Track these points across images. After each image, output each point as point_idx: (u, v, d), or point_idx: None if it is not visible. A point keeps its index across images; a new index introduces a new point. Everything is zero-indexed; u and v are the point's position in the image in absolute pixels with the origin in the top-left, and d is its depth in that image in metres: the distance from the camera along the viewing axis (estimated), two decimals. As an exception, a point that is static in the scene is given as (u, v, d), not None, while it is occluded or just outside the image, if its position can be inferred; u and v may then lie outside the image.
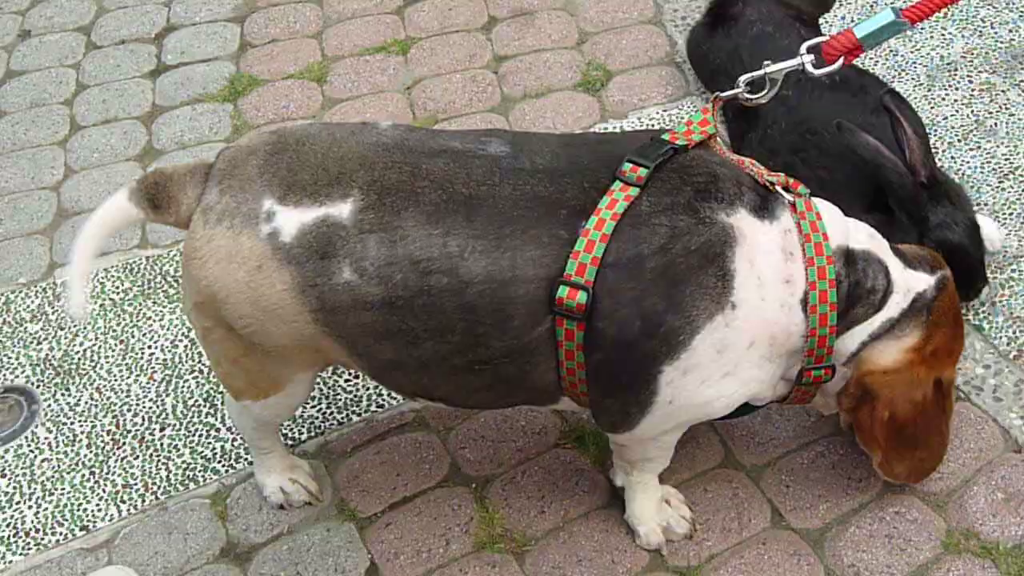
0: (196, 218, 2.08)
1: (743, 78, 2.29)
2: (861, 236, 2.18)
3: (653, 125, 3.33)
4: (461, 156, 2.06)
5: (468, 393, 2.17)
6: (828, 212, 2.16)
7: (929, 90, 3.36)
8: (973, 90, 3.37)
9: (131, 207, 2.16)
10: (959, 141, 3.19)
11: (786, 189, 2.11)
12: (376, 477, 2.62)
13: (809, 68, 2.25)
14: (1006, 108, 3.31)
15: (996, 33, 3.52)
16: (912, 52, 3.48)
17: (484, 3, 3.80)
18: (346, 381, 2.77)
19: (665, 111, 3.40)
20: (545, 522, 2.53)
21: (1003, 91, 3.35)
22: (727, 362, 2.06)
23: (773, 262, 2.03)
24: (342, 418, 2.72)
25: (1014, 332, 2.78)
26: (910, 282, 2.19)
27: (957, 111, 3.30)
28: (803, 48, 2.25)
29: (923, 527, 2.45)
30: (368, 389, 2.75)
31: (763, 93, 2.28)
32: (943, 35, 3.53)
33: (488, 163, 2.05)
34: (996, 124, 3.26)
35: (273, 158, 2.08)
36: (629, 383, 2.07)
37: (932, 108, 3.29)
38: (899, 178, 2.65)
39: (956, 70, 3.43)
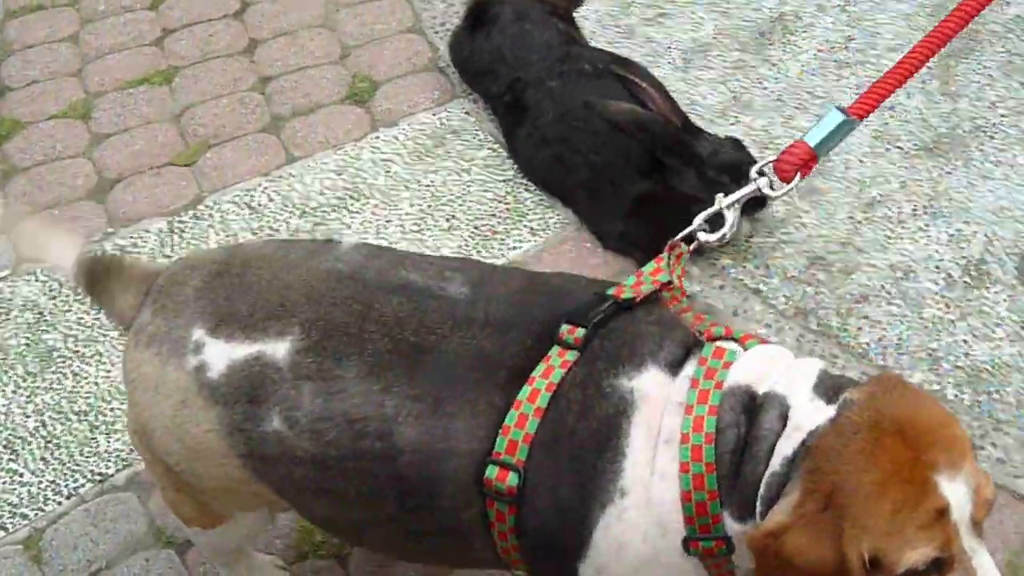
0: (130, 337, 1.93)
1: (700, 217, 2.06)
2: (779, 376, 1.72)
3: (424, 131, 3.38)
4: (418, 296, 1.83)
5: (413, 556, 2.05)
6: (754, 355, 1.78)
7: (686, 72, 3.49)
8: (727, 68, 3.51)
9: (74, 270, 2.03)
10: (719, 117, 3.32)
11: (724, 338, 1.83)
12: (190, 503, 2.59)
13: (767, 191, 2.07)
14: (759, 83, 3.46)
15: (742, 13, 3.68)
16: (666, 37, 3.60)
17: (243, 27, 3.78)
18: (147, 413, 2.74)
19: (435, 115, 3.45)
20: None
21: (754, 67, 3.51)
22: (634, 566, 1.75)
23: (667, 423, 1.70)
24: (147, 450, 2.68)
25: (789, 291, 2.92)
26: (802, 420, 1.65)
27: (714, 89, 3.44)
28: (753, 172, 2.07)
29: None
30: (171, 418, 2.72)
31: (722, 232, 2.06)
32: (693, 18, 3.67)
33: (444, 308, 1.82)
34: (751, 99, 3.41)
35: (213, 281, 1.89)
36: (558, 574, 1.82)
37: (690, 88, 3.42)
38: (660, 127, 2.77)
39: (709, 51, 3.57)
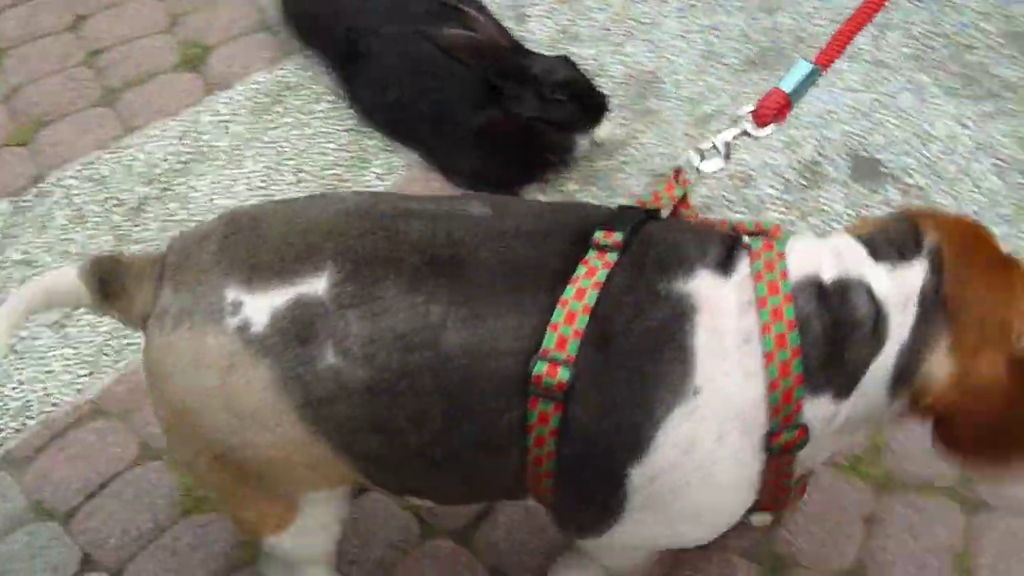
0: (151, 327, 1.81)
1: (693, 150, 2.08)
2: (831, 260, 1.77)
3: (260, 90, 3.39)
4: (440, 217, 1.81)
5: (447, 489, 1.95)
6: (799, 246, 1.82)
7: (515, 9, 3.55)
8: (553, 3, 3.59)
9: (80, 287, 1.89)
10: (548, 51, 3.38)
11: (756, 233, 1.85)
12: (67, 473, 2.57)
13: (752, 131, 2.08)
14: (584, 14, 3.55)
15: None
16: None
17: (68, 2, 3.74)
18: (12, 389, 2.71)
19: (270, 74, 3.46)
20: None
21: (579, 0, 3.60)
22: (699, 466, 1.75)
23: (731, 323, 1.72)
24: (17, 425, 2.66)
25: (636, 209, 3.01)
26: (903, 287, 1.74)
27: (543, 24, 3.52)
28: (741, 111, 2.11)
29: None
30: (36, 392, 2.70)
31: (715, 161, 2.07)
32: (514, -41, 3.74)
33: (469, 223, 1.81)
34: (578, 31, 3.48)
35: (228, 241, 1.80)
36: (598, 483, 1.80)
37: (518, 25, 3.48)
38: (492, 51, 2.83)
39: (533, -11, 3.65)
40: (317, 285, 1.73)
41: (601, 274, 1.72)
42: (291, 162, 3.19)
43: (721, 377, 1.70)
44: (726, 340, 1.70)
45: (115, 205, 3.10)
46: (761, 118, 2.07)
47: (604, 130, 3.11)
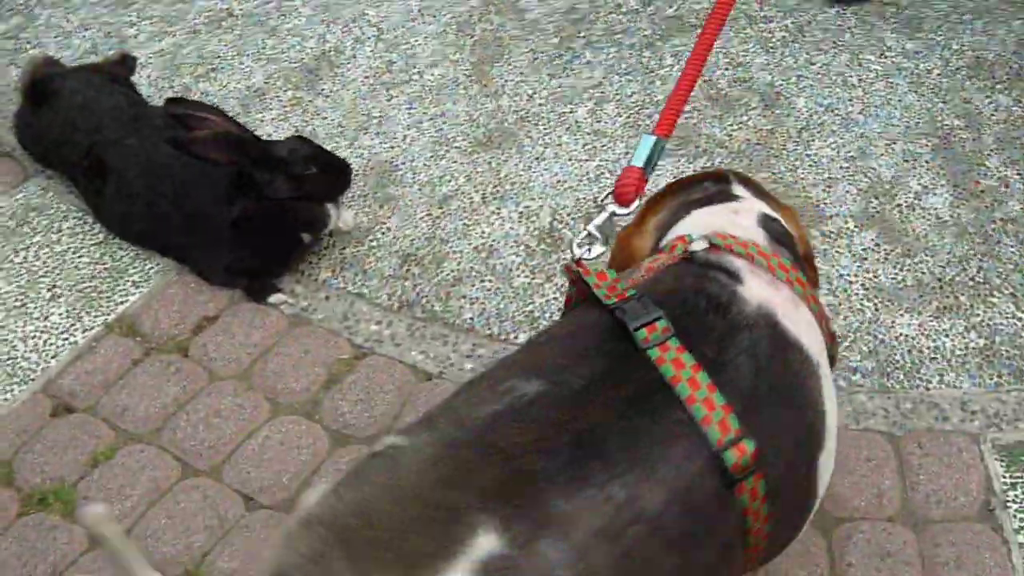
0: None
1: (577, 238, 2.12)
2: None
3: (4, 214, 3.42)
4: (515, 414, 1.68)
5: None
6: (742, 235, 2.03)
7: (247, 116, 3.68)
8: (285, 107, 3.73)
9: None
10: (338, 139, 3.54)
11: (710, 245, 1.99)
12: None
13: (619, 211, 2.16)
14: (318, 115, 3.70)
15: (287, 56, 3.93)
16: (221, 88, 3.80)
17: None
18: None
19: (12, 198, 3.49)
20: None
21: (310, 100, 3.76)
22: (833, 404, 1.93)
23: (792, 307, 1.91)
24: None
25: (390, 289, 3.16)
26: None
27: (277, 127, 3.66)
28: (602, 200, 2.18)
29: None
30: None
31: (595, 248, 2.10)
32: (242, 68, 3.88)
33: (553, 397, 1.70)
34: (314, 129, 3.64)
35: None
36: (800, 500, 1.88)
37: (253, 130, 3.60)
38: (239, 144, 2.97)
39: (265, 95, 3.78)
40: (489, 540, 1.53)
41: (688, 357, 1.73)
42: (45, 280, 3.23)
43: (813, 340, 1.90)
44: (800, 316, 1.90)
45: None
46: (623, 197, 2.17)
47: (348, 219, 3.27)
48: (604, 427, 1.66)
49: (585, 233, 2.12)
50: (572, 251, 2.07)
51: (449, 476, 1.60)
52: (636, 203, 2.18)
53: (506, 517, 1.54)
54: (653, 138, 2.23)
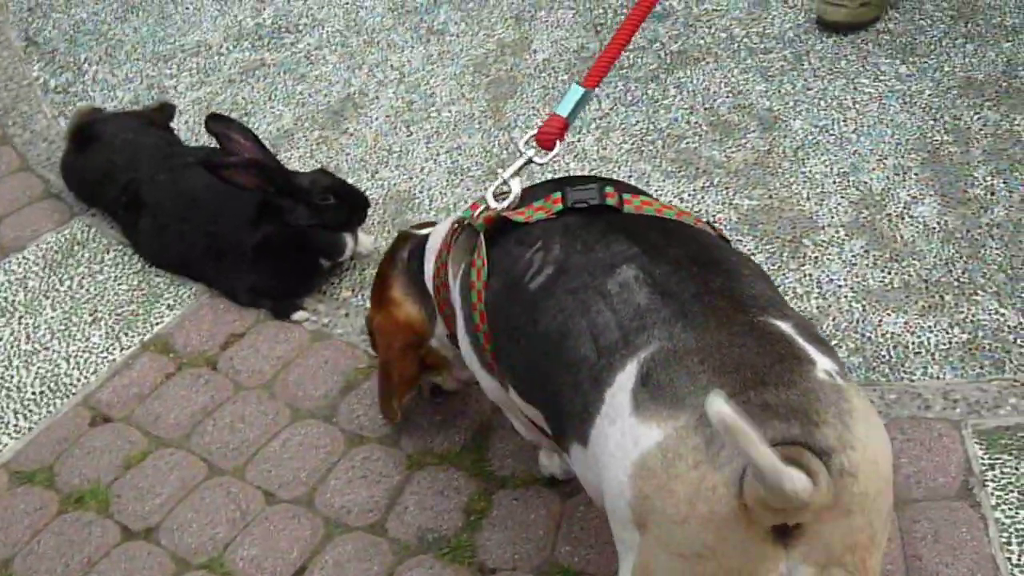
0: None
1: (490, 190, 2.27)
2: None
3: (52, 248, 3.68)
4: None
5: None
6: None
7: (276, 155, 3.90)
8: (312, 145, 3.98)
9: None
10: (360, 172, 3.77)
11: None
12: None
13: (537, 159, 2.31)
14: (342, 151, 3.94)
15: (315, 100, 4.18)
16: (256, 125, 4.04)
17: None
18: None
19: (59, 234, 3.75)
20: None
21: (335, 139, 4.00)
22: None
23: None
24: None
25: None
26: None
27: (304, 163, 3.88)
28: (521, 144, 2.33)
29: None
30: None
31: (509, 200, 2.24)
32: (273, 112, 4.13)
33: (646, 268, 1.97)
34: (339, 164, 3.87)
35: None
36: None
37: (284, 165, 3.85)
38: (263, 170, 3.20)
39: (292, 135, 4.03)
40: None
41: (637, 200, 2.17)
42: (87, 305, 3.47)
43: None
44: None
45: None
46: (544, 143, 2.33)
47: (368, 243, 3.49)
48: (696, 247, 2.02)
49: (501, 181, 2.27)
50: (488, 201, 2.24)
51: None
52: (556, 149, 2.32)
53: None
54: (581, 89, 2.33)
